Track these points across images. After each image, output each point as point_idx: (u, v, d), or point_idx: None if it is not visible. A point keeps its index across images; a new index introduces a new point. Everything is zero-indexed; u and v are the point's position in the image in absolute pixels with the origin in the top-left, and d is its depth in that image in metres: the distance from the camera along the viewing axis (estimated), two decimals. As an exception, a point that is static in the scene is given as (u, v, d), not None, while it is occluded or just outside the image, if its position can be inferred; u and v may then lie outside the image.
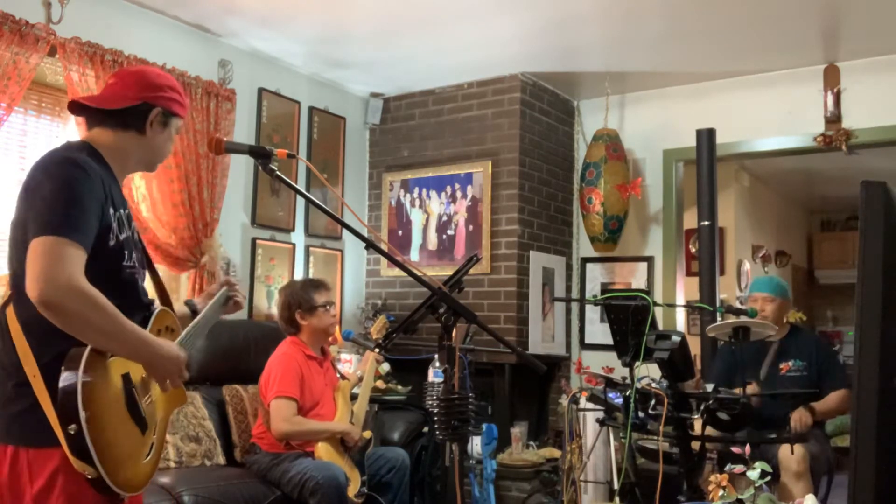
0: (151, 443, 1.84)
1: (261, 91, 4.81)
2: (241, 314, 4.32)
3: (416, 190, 5.42)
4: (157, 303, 2.04)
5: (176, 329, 2.01)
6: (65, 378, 1.64)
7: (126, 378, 1.77)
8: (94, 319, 1.67)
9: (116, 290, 1.79)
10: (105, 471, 1.63)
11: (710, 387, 3.25)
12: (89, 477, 1.64)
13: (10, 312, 1.76)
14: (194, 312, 2.16)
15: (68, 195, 1.72)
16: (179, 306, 2.18)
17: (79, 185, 1.73)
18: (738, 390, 3.48)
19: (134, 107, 1.91)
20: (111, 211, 1.82)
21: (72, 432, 1.60)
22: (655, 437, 3.11)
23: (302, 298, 3.71)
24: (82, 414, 1.60)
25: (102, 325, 1.68)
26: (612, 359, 3.68)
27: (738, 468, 2.09)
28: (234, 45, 4.66)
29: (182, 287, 4.31)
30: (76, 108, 1.97)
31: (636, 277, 5.35)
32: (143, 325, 1.86)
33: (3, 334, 1.76)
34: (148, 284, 2.04)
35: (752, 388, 3.69)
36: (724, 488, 2.09)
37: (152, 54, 4.09)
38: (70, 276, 1.64)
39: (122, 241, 1.84)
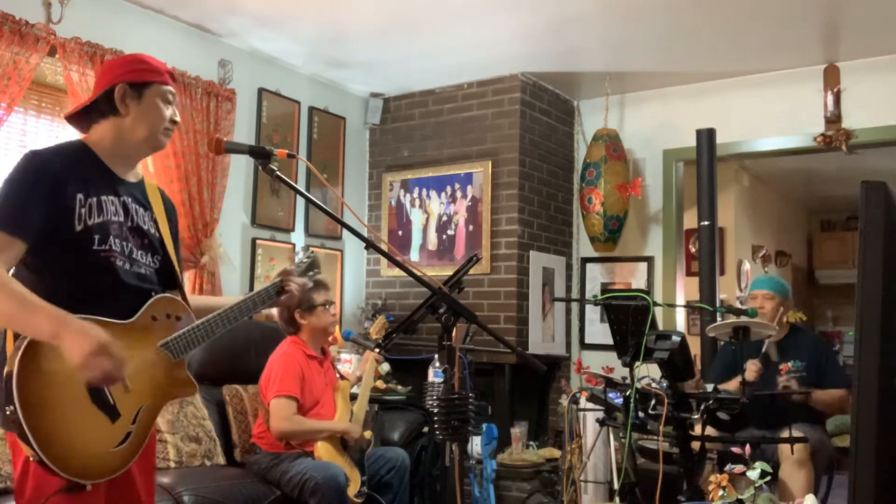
0: (128, 431, 1.83)
1: (261, 91, 4.81)
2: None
3: (416, 190, 5.42)
4: (185, 295, 2.08)
5: (183, 317, 2.02)
6: (8, 362, 1.68)
7: None
8: None
9: (86, 270, 1.87)
10: (46, 454, 1.65)
11: (710, 387, 3.25)
12: (31, 459, 1.68)
13: None
14: None
15: (10, 191, 1.82)
16: (234, 300, 2.20)
17: (21, 179, 1.83)
18: (736, 382, 3.48)
19: (102, 94, 1.97)
20: (79, 198, 1.87)
21: (7, 413, 1.64)
22: (655, 437, 3.11)
23: (302, 297, 3.70)
24: (16, 395, 1.63)
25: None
26: (612, 359, 3.68)
27: (738, 468, 2.09)
28: (234, 45, 4.66)
29: (182, 287, 4.31)
30: (70, 119, 2.05)
31: (636, 277, 5.35)
32: (136, 311, 1.91)
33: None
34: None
35: (751, 368, 3.67)
36: (724, 488, 2.08)
37: (152, 54, 4.06)
38: None
39: (91, 226, 1.88)
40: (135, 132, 1.98)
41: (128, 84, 1.96)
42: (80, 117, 2.01)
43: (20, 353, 1.66)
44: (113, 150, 1.98)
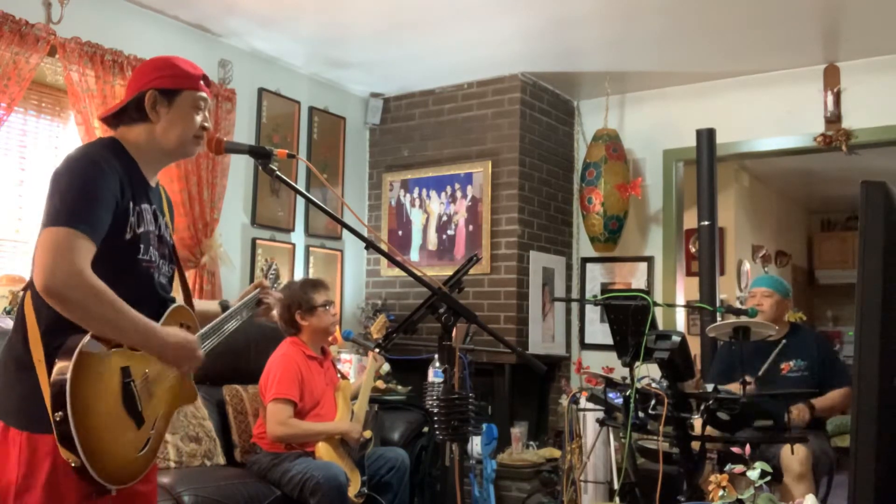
0: (148, 437, 1.86)
1: (261, 91, 4.81)
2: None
3: (416, 190, 5.42)
4: (178, 300, 2.06)
5: (192, 326, 2.03)
6: (58, 367, 1.67)
7: (125, 371, 1.78)
8: (95, 309, 1.71)
9: (129, 281, 1.84)
10: (89, 460, 1.66)
11: (710, 387, 3.24)
12: (73, 465, 1.67)
13: (28, 298, 1.80)
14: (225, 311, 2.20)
15: (81, 188, 1.76)
16: (212, 305, 2.22)
17: (92, 178, 1.78)
18: (736, 386, 3.49)
19: (132, 100, 1.94)
20: (130, 205, 1.86)
21: (58, 419, 1.63)
22: (655, 437, 3.11)
23: (301, 298, 3.71)
24: (69, 402, 1.63)
25: (103, 314, 1.72)
26: (612, 359, 3.68)
27: (738, 468, 2.09)
28: (234, 45, 4.66)
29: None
30: (103, 120, 2.03)
31: (636, 277, 5.35)
32: (156, 319, 1.89)
33: (19, 318, 1.81)
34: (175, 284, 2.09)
35: (751, 388, 3.69)
36: (724, 488, 2.08)
37: (152, 54, 4.03)
38: (73, 266, 1.68)
39: (138, 234, 1.88)
40: (165, 139, 1.95)
41: (158, 91, 1.93)
42: (111, 117, 1.99)
43: (73, 361, 1.66)
44: (146, 154, 1.96)
